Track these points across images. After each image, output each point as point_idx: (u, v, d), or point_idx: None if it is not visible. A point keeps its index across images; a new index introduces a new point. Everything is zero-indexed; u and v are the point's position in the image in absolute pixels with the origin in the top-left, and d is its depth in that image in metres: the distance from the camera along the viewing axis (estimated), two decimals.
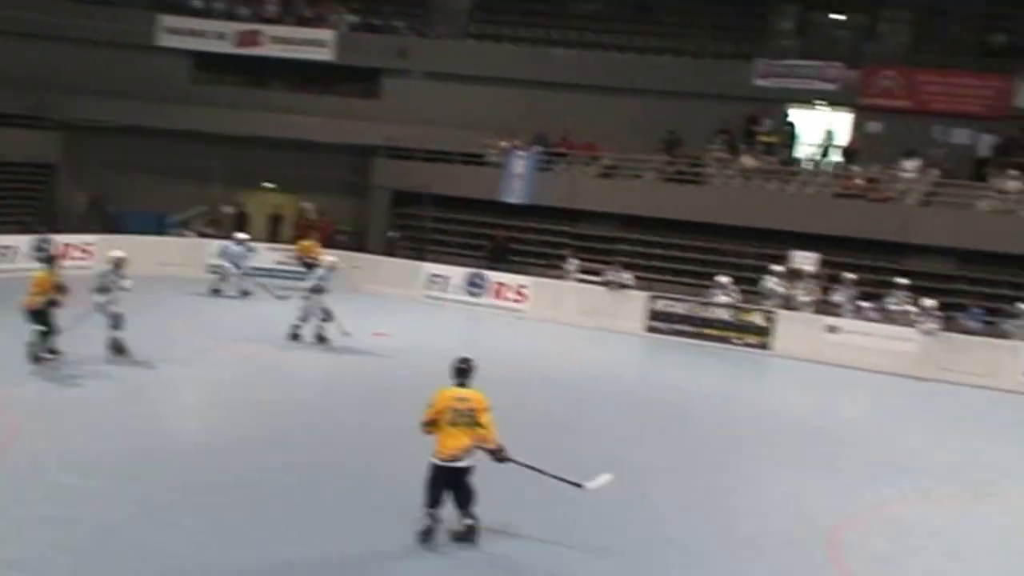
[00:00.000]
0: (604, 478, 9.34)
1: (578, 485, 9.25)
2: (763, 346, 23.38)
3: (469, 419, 8.80)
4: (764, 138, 29.15)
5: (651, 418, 15.68)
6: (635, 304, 24.55)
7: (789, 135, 29.40)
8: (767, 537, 10.01)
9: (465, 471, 8.87)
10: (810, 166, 29.01)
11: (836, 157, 28.82)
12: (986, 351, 21.81)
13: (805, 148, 29.32)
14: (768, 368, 22.31)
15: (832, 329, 22.95)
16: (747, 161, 28.21)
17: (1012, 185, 25.94)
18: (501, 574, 8.66)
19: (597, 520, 9.80)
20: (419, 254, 28.60)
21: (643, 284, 25.39)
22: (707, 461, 13.16)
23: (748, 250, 26.66)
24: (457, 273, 26.56)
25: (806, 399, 19.04)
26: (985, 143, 27.80)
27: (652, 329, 24.28)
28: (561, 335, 23.45)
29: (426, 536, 8.85)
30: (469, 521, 8.96)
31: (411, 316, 23.96)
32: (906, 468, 13.61)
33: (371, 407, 14.72)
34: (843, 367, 21.85)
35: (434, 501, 8.85)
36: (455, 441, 8.77)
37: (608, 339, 23.38)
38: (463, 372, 9.06)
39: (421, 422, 8.94)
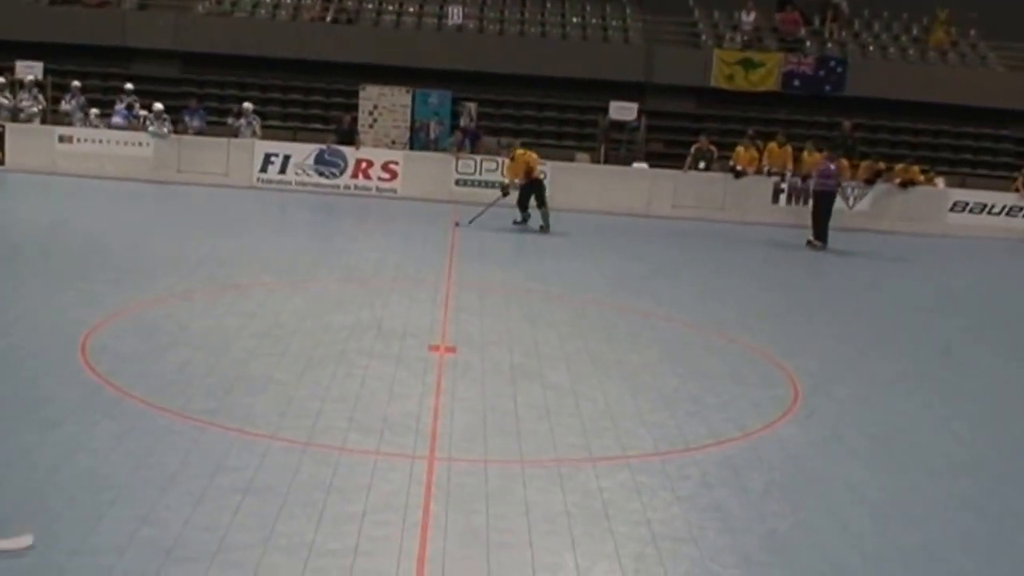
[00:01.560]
0: (27, 539, 6.16)
1: None
2: None
3: None
4: None
5: None
6: None
7: None
8: (17, 352, 9.83)
9: None
10: None
11: None
12: (222, 151, 22.87)
13: None
14: (3, 185, 21.33)
15: (64, 139, 22.47)
16: None
17: None
18: None
19: None
20: None
21: None
22: None
23: None
24: None
25: (47, 213, 18.61)
26: None
27: None
28: None
29: None
30: None
31: None
32: (154, 270, 14.03)
33: None
34: (80, 177, 21.65)
35: None
36: None
37: None
38: None
39: None
